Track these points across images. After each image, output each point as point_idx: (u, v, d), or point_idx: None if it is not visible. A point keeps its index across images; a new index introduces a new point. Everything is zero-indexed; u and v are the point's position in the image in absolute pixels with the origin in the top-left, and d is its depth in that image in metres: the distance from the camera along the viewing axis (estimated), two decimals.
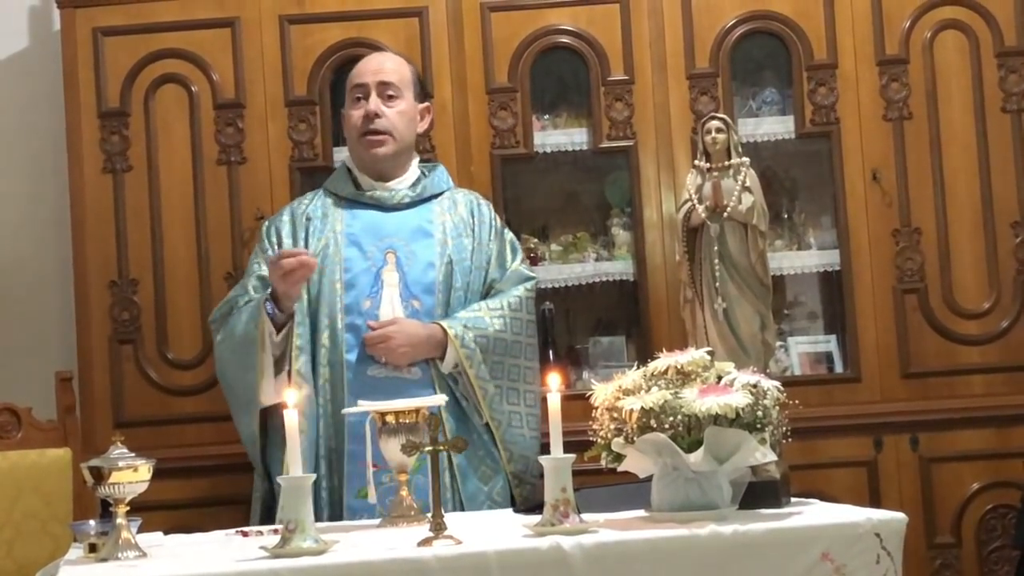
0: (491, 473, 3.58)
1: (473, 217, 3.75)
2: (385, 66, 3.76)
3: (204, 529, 3.26)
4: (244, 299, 3.61)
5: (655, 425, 2.65)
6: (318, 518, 3.42)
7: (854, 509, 2.76)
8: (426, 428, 2.93)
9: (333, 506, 3.51)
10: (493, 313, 3.63)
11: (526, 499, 3.55)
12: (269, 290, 3.52)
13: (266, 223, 3.79)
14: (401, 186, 3.73)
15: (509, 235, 3.84)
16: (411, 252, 3.64)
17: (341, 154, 4.17)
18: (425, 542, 2.55)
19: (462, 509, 3.52)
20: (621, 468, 2.78)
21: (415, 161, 3.82)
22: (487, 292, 3.72)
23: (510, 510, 3.30)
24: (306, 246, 3.65)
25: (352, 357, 3.55)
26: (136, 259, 4.31)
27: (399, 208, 3.71)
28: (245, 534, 3.05)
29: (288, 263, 3.40)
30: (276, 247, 3.67)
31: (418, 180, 3.77)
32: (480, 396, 3.55)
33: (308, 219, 3.70)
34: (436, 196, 3.76)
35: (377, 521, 3.10)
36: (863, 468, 4.28)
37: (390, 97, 3.69)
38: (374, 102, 3.67)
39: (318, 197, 3.77)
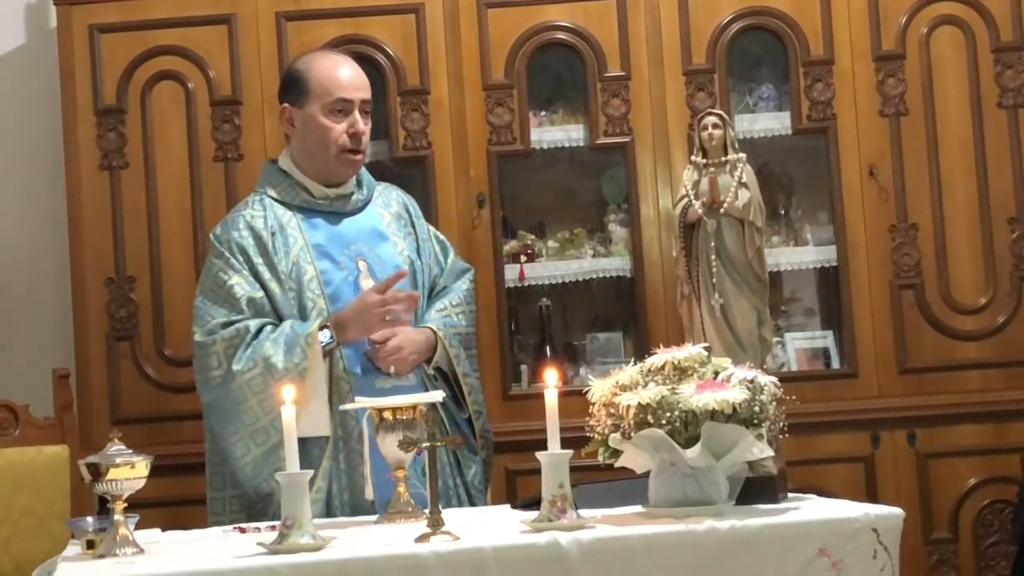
0: (469, 463, 3.61)
1: (409, 213, 3.72)
2: (364, 81, 3.65)
3: (202, 526, 3.27)
4: (253, 324, 3.45)
5: (652, 421, 2.65)
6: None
7: (851, 504, 2.76)
8: (423, 424, 2.93)
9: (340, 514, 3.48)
10: (456, 310, 3.65)
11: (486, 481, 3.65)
12: (326, 318, 3.44)
13: (218, 235, 3.56)
14: (348, 190, 3.65)
15: (432, 229, 3.82)
16: (378, 257, 3.59)
17: None
18: (423, 538, 2.55)
19: (468, 498, 3.54)
20: (618, 464, 2.78)
21: None
22: (432, 287, 3.70)
23: (507, 506, 3.30)
24: (279, 263, 3.52)
25: (357, 371, 3.50)
26: (133, 256, 4.31)
27: (352, 213, 3.64)
28: (243, 530, 3.05)
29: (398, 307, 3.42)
30: (246, 266, 3.51)
31: (360, 182, 3.68)
32: (466, 391, 3.57)
33: (272, 234, 3.55)
34: (372, 196, 3.71)
35: (374, 518, 3.10)
36: (860, 464, 4.29)
37: (366, 113, 3.62)
38: (362, 122, 3.59)
39: (268, 208, 3.60)
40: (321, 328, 3.43)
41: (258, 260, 3.52)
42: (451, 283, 3.72)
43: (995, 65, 4.40)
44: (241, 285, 3.49)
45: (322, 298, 3.51)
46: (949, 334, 4.35)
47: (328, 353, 3.45)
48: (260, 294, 3.49)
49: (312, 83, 3.60)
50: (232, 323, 3.46)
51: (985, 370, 4.34)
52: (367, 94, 3.63)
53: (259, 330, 3.45)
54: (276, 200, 3.61)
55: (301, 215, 3.59)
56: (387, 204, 3.71)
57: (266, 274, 3.51)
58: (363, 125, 3.59)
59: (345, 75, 3.62)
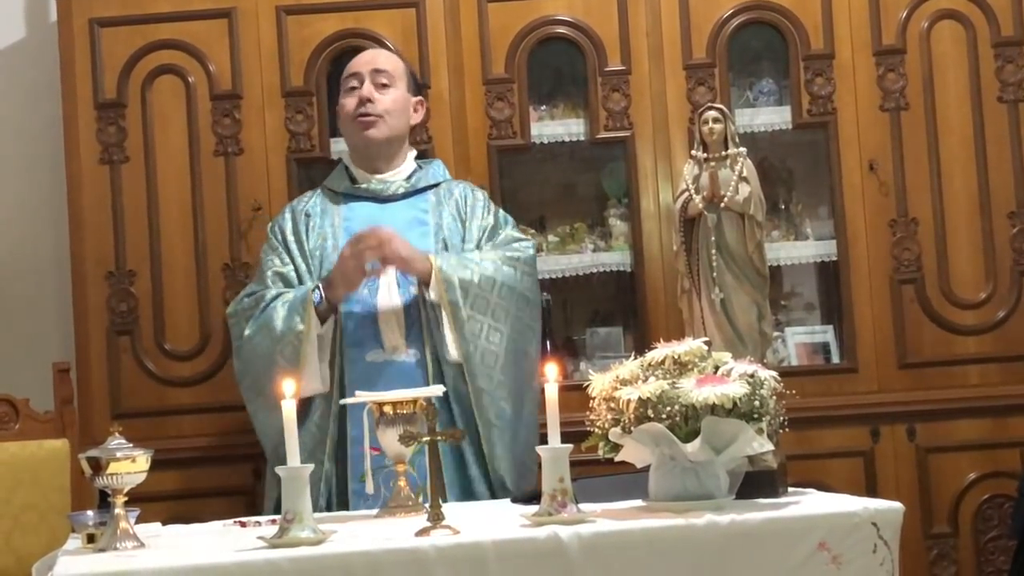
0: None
1: (466, 202, 3.79)
2: (379, 57, 3.86)
3: (202, 520, 3.27)
4: (271, 293, 3.64)
5: (652, 415, 2.65)
6: (321, 503, 3.44)
7: (851, 499, 2.76)
8: (423, 418, 2.93)
9: (336, 491, 3.51)
10: (485, 256, 3.65)
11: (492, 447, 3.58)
12: (319, 281, 3.59)
13: (271, 224, 3.84)
14: (396, 178, 3.78)
15: (502, 213, 3.86)
16: (407, 241, 3.65)
17: (338, 145, 4.18)
18: (423, 532, 2.56)
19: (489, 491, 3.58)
20: (618, 458, 2.78)
21: (411, 155, 3.86)
22: None
23: (507, 500, 3.31)
24: (306, 242, 3.72)
25: (350, 343, 3.57)
26: (133, 250, 4.31)
27: (394, 199, 3.76)
28: (243, 524, 3.05)
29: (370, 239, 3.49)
30: (283, 245, 3.73)
31: (413, 173, 3.81)
32: (453, 322, 3.54)
33: (307, 216, 3.76)
34: (432, 187, 3.80)
35: (375, 511, 3.11)
36: (860, 458, 4.29)
37: (383, 85, 3.76)
38: (367, 88, 3.74)
39: (316, 195, 3.83)
40: (314, 290, 3.57)
41: (291, 238, 3.74)
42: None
43: (995, 60, 4.39)
44: (273, 261, 3.73)
45: None
46: (949, 329, 4.35)
47: (328, 314, 3.57)
48: (288, 268, 3.70)
49: (341, 79, 3.85)
50: (255, 293, 3.69)
51: (985, 365, 4.34)
52: (379, 65, 3.79)
53: (275, 297, 3.63)
54: (329, 189, 3.82)
55: (345, 200, 3.77)
56: (448, 194, 3.79)
57: (296, 252, 3.72)
58: (367, 91, 3.73)
59: (360, 56, 3.86)
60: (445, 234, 3.71)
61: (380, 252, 3.53)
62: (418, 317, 3.60)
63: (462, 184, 3.87)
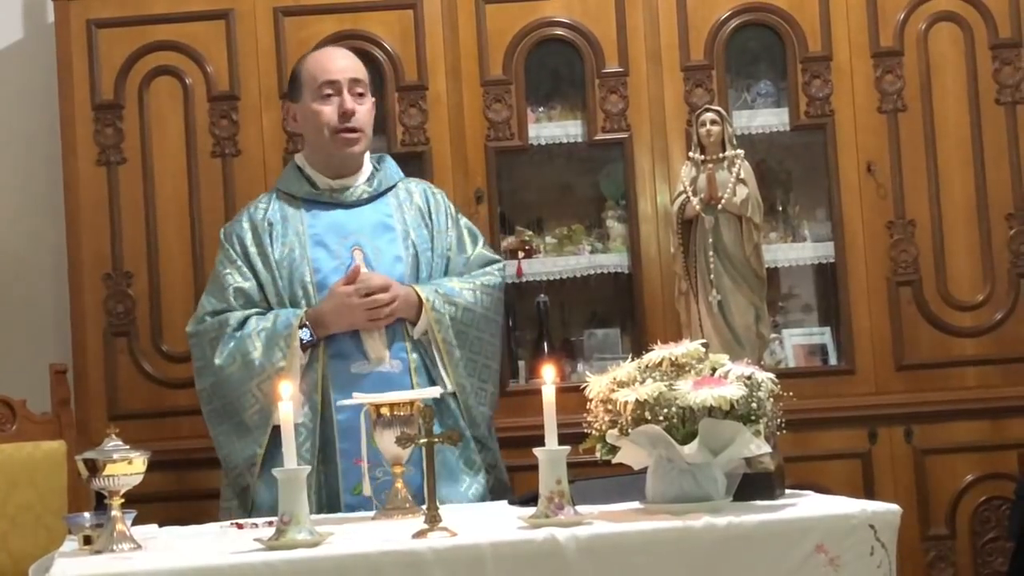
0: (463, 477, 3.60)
1: (428, 205, 3.73)
2: (352, 64, 3.74)
3: (199, 521, 3.27)
4: (237, 316, 3.56)
5: (650, 417, 2.65)
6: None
7: (848, 501, 2.76)
8: (420, 420, 2.93)
9: (328, 505, 3.50)
10: (464, 285, 3.63)
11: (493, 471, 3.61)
12: (303, 313, 3.52)
13: (224, 230, 3.73)
14: (358, 182, 3.71)
15: (464, 221, 3.80)
16: (376, 248, 3.62)
17: None
18: (420, 534, 2.56)
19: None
20: (616, 460, 2.78)
21: (367, 155, 3.78)
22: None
23: (504, 502, 3.31)
24: (271, 252, 3.62)
25: (334, 355, 3.54)
26: (130, 252, 4.31)
27: (358, 204, 3.69)
28: (240, 526, 3.05)
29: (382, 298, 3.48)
30: (241, 256, 3.63)
31: (372, 175, 3.73)
32: (447, 360, 3.55)
33: (270, 224, 3.65)
34: (390, 189, 3.74)
35: (372, 513, 3.11)
36: (857, 460, 4.29)
37: (359, 95, 3.67)
38: (350, 100, 3.64)
39: (273, 200, 3.71)
40: (301, 326, 3.51)
41: (253, 250, 3.63)
42: (474, 270, 3.72)
43: (993, 61, 4.40)
44: (233, 276, 3.62)
45: (311, 285, 3.59)
46: (946, 330, 4.35)
47: (311, 347, 3.53)
48: (250, 284, 3.60)
49: (304, 76, 3.71)
50: (218, 312, 3.59)
51: (982, 366, 4.34)
52: (356, 75, 3.69)
53: (243, 322, 3.55)
54: (285, 193, 3.71)
55: (305, 206, 3.68)
56: (408, 197, 3.74)
57: (259, 263, 3.62)
58: (351, 104, 3.64)
59: (331, 60, 3.72)
60: (413, 238, 3.65)
61: (390, 308, 3.52)
62: (399, 327, 3.58)
63: (421, 185, 3.81)
